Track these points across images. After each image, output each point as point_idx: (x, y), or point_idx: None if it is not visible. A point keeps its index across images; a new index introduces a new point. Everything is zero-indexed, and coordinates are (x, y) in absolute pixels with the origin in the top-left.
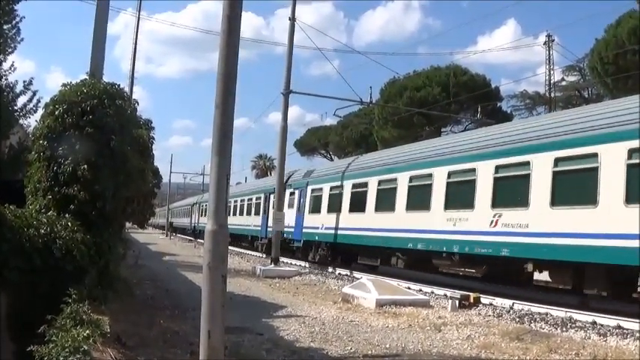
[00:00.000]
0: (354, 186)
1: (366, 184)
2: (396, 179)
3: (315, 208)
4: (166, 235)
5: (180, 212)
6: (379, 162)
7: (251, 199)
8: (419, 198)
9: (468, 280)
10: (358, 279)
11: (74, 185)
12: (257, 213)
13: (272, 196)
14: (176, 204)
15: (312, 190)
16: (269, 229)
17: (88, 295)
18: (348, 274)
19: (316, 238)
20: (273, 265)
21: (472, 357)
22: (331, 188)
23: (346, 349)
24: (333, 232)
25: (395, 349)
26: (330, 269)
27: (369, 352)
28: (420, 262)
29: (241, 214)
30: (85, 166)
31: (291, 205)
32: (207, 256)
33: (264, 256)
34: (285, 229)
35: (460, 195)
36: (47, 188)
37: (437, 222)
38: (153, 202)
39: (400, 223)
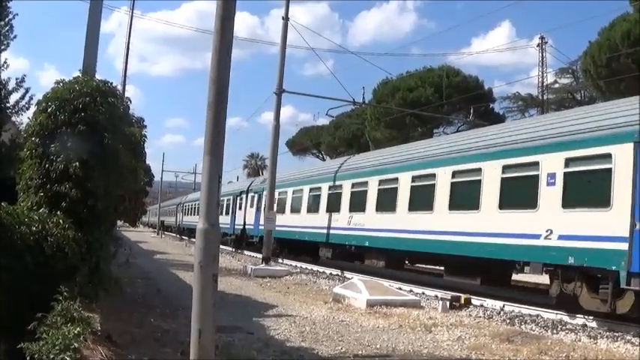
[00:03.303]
0: None
1: None
2: None
3: None
4: (157, 234)
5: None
6: None
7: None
8: None
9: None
10: (349, 279)
11: (66, 183)
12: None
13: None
14: (192, 196)
15: None
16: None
17: (78, 293)
18: (339, 274)
19: None
20: (264, 265)
21: (462, 358)
22: None
23: (337, 349)
24: None
25: (385, 349)
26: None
27: (360, 353)
28: None
29: (420, 207)
30: (77, 163)
31: None
32: (199, 255)
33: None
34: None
35: None
36: (39, 185)
37: None
38: (144, 201)
39: None
